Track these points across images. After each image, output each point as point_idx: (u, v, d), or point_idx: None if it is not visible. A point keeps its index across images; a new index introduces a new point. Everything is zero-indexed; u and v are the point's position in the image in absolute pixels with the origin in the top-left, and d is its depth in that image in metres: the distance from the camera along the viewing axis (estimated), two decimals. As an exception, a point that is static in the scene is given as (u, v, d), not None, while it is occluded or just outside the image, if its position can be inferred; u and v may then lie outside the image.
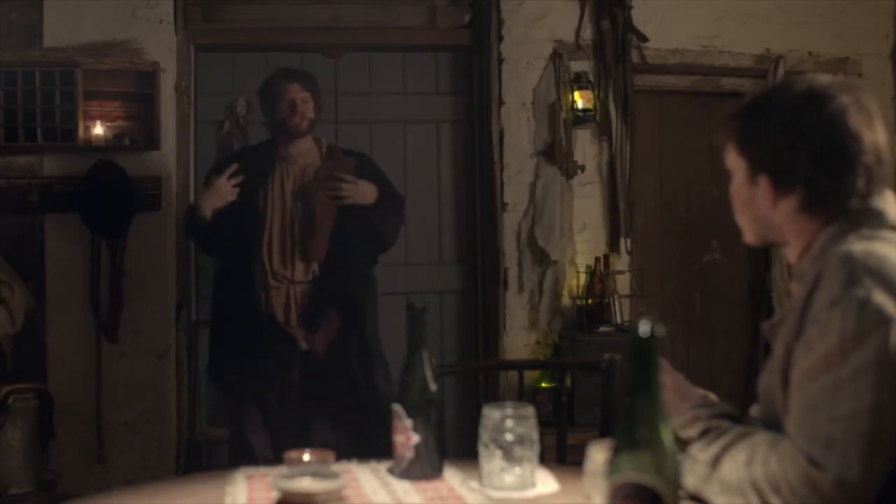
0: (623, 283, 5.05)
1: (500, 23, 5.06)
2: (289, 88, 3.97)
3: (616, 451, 1.30)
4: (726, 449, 1.64)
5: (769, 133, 1.73)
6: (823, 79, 1.76)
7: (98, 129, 4.64)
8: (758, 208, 1.77)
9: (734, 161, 1.80)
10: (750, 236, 1.85)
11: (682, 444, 1.71)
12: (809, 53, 5.31)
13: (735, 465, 1.60)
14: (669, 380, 1.83)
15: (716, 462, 1.64)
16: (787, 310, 1.72)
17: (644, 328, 1.28)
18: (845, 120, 1.68)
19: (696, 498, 1.69)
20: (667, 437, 1.28)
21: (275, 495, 1.82)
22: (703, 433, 1.70)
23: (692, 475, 1.67)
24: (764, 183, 1.73)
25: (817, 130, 1.69)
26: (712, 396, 1.85)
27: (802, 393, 1.56)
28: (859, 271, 1.56)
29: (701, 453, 1.68)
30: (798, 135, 1.69)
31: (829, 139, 1.68)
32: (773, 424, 1.66)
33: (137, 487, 2.17)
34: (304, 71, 4.14)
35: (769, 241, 1.83)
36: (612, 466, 1.30)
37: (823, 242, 1.68)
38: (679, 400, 1.79)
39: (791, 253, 1.78)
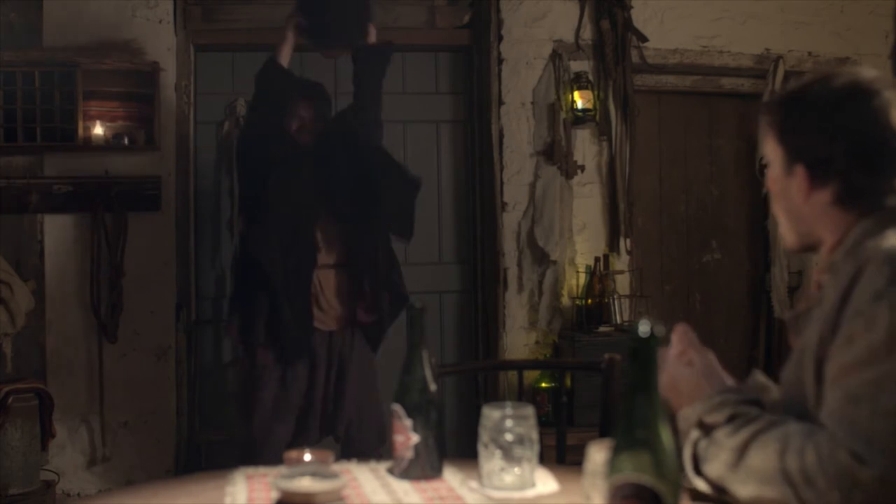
0: (623, 284, 5.05)
1: (500, 23, 5.06)
2: (302, 106, 3.92)
3: (615, 451, 1.29)
4: (755, 436, 1.58)
5: (809, 124, 1.70)
6: (869, 72, 1.75)
7: (98, 129, 4.65)
8: (791, 199, 1.75)
9: (772, 150, 1.78)
10: (790, 238, 1.81)
11: (707, 428, 1.67)
12: (809, 53, 5.31)
13: (765, 454, 1.55)
14: (699, 359, 1.78)
15: (744, 449, 1.59)
16: (813, 300, 1.70)
17: (643, 328, 1.28)
18: (888, 116, 1.66)
19: (701, 497, 1.67)
20: (666, 437, 1.28)
21: (274, 495, 1.82)
22: (731, 419, 1.64)
23: (717, 461, 1.63)
24: (800, 174, 1.71)
25: (859, 124, 1.67)
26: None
27: (843, 386, 1.52)
28: None
29: (728, 439, 1.62)
30: (838, 127, 1.67)
31: (869, 134, 1.66)
32: (799, 415, 1.62)
33: (137, 487, 2.17)
34: (319, 88, 4.05)
35: (808, 240, 1.78)
36: (612, 466, 1.29)
37: (858, 236, 1.66)
38: (705, 382, 1.74)
39: (823, 250, 1.75)
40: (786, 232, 1.82)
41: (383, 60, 4.03)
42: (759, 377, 1.88)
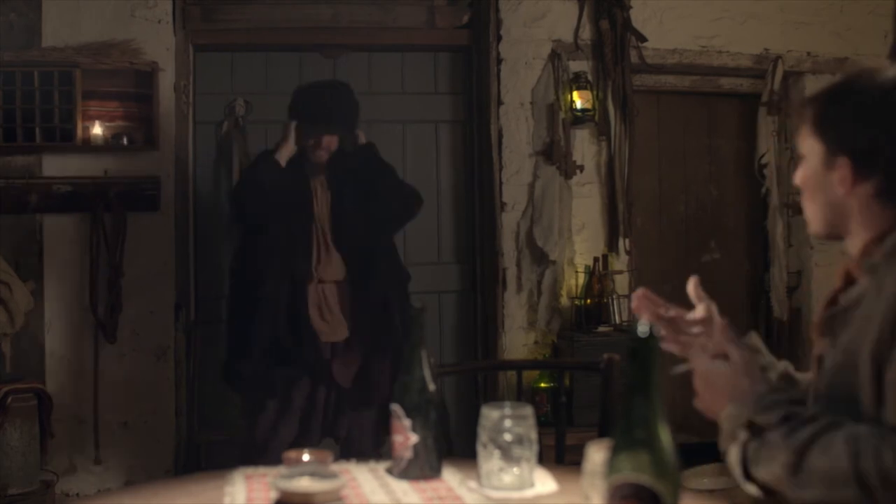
0: (622, 284, 5.04)
1: (499, 23, 5.06)
2: (325, 140, 3.95)
3: (614, 451, 1.29)
4: (816, 438, 1.53)
5: (854, 115, 1.71)
6: None
7: (97, 129, 4.64)
8: (832, 193, 1.73)
9: (809, 145, 1.77)
10: (817, 225, 1.80)
11: (757, 429, 1.61)
12: (808, 53, 5.31)
13: (832, 456, 1.50)
14: (738, 355, 1.73)
15: (804, 451, 1.52)
16: (849, 302, 1.69)
17: (642, 328, 1.28)
18: None
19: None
20: (665, 437, 1.27)
21: (273, 495, 1.82)
22: (785, 419, 1.59)
23: (773, 463, 1.56)
24: (844, 165, 1.70)
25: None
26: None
27: None
28: None
29: (785, 441, 1.55)
30: (885, 119, 1.68)
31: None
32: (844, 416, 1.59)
33: (136, 488, 2.18)
34: (343, 117, 4.05)
35: (837, 230, 1.78)
36: (611, 466, 1.29)
37: None
38: (745, 378, 1.69)
39: (854, 244, 1.74)
40: (814, 220, 1.80)
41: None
42: (755, 339, 1.88)
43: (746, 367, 1.71)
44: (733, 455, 1.63)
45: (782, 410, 1.60)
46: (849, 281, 1.76)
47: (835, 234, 1.78)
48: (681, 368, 1.73)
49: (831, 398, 1.67)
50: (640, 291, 1.91)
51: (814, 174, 1.76)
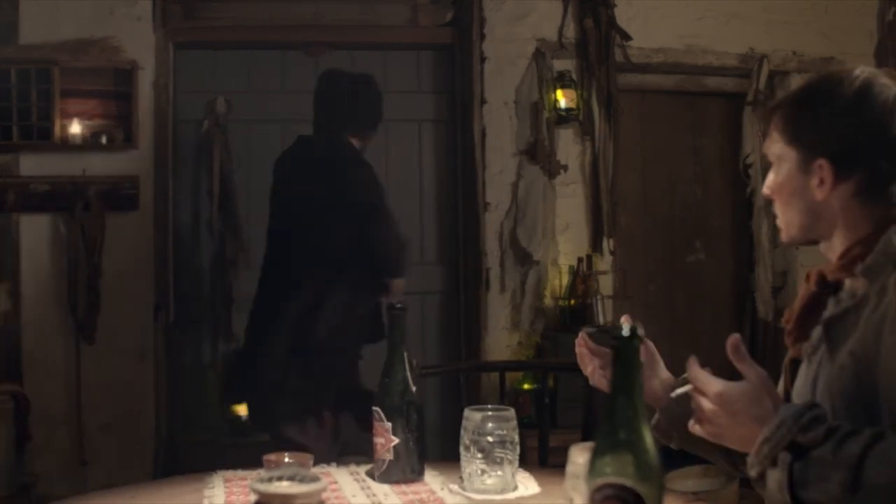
0: (606, 284, 5.03)
1: (483, 21, 5.04)
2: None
3: (597, 453, 1.27)
4: (867, 451, 1.45)
5: (829, 117, 1.71)
6: (873, 69, 1.76)
7: (75, 128, 4.60)
8: (810, 197, 1.73)
9: (781, 150, 1.77)
10: (794, 231, 1.79)
11: (801, 448, 1.51)
12: (794, 53, 5.30)
13: (889, 467, 1.43)
14: (755, 374, 1.61)
15: (858, 465, 1.45)
16: (844, 306, 1.67)
17: (624, 328, 1.26)
18: None
19: None
20: (648, 438, 1.26)
21: (252, 498, 1.80)
22: (828, 435, 1.49)
23: (828, 483, 1.47)
24: (823, 167, 1.70)
25: (880, 116, 1.68)
26: None
27: None
28: None
29: (836, 457, 1.47)
30: (860, 116, 1.68)
31: (890, 124, 1.68)
32: (850, 419, 1.55)
33: (115, 490, 2.17)
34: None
35: (813, 235, 1.77)
36: (594, 468, 1.27)
37: (891, 236, 1.65)
38: (769, 399, 1.58)
39: (834, 247, 1.73)
40: (790, 226, 1.79)
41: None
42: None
43: (766, 385, 1.61)
44: (775, 479, 1.52)
45: (823, 426, 1.51)
46: (823, 286, 1.73)
47: (811, 238, 1.78)
48: (681, 391, 1.66)
49: (839, 403, 1.62)
50: (580, 338, 1.87)
51: (789, 180, 1.76)
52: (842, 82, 1.73)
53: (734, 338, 1.62)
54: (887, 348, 1.56)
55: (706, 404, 1.62)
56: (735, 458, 1.79)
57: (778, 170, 1.78)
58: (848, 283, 1.69)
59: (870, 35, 5.40)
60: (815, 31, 5.30)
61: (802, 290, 1.80)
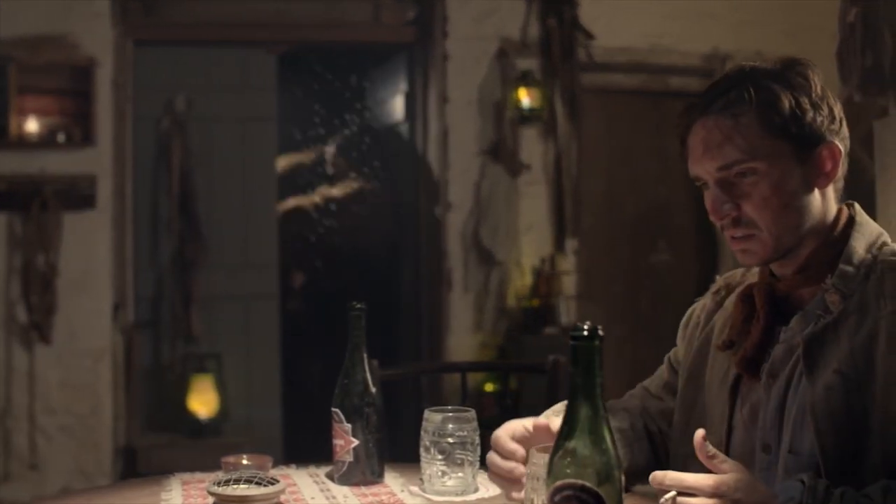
0: (569, 284, 5.03)
1: (446, 20, 5.03)
2: None
3: (557, 455, 1.26)
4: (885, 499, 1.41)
5: (806, 104, 1.60)
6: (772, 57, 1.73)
7: (32, 126, 4.56)
8: (807, 192, 1.60)
9: (769, 150, 1.58)
10: (787, 240, 1.60)
11: None
12: (757, 52, 5.32)
13: None
14: (732, 464, 1.50)
15: None
16: (829, 322, 1.57)
17: (584, 328, 1.24)
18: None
19: None
20: (608, 439, 1.24)
21: (210, 501, 1.78)
22: (843, 498, 1.44)
23: None
24: (825, 152, 1.60)
25: (825, 93, 1.64)
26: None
27: None
28: None
29: None
30: (820, 97, 1.63)
31: (832, 100, 1.64)
32: (838, 442, 1.51)
33: (71, 494, 2.14)
34: None
35: (795, 242, 1.61)
36: (553, 469, 1.26)
37: (856, 241, 1.60)
38: (760, 484, 1.50)
39: (799, 254, 1.62)
40: (779, 236, 1.60)
41: None
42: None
43: (747, 470, 1.52)
44: None
45: (839, 492, 1.45)
46: (776, 303, 1.65)
47: (793, 246, 1.62)
48: (669, 496, 1.52)
49: (826, 426, 1.54)
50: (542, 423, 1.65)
51: (788, 179, 1.59)
52: (794, 66, 1.67)
53: (698, 438, 1.50)
54: (887, 369, 1.50)
55: (704, 501, 1.49)
56: None
57: (767, 177, 1.58)
58: (827, 297, 1.59)
59: (832, 35, 5.44)
60: (779, 31, 5.33)
61: (737, 308, 1.70)
